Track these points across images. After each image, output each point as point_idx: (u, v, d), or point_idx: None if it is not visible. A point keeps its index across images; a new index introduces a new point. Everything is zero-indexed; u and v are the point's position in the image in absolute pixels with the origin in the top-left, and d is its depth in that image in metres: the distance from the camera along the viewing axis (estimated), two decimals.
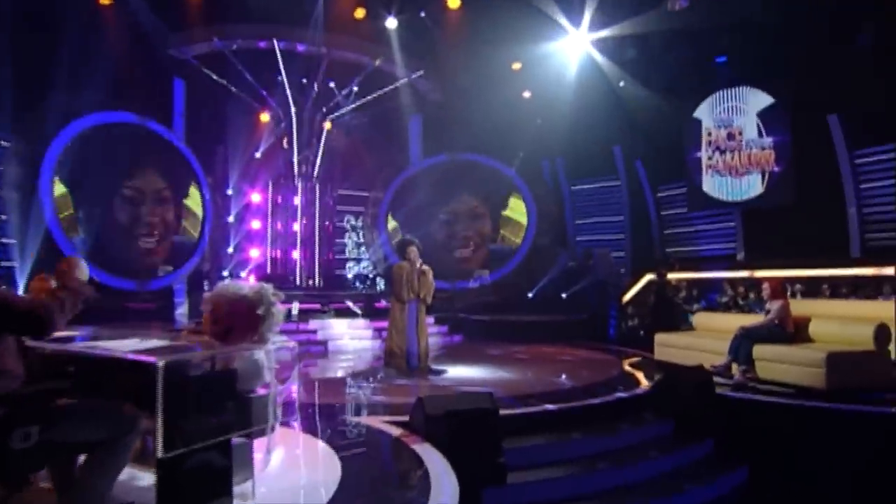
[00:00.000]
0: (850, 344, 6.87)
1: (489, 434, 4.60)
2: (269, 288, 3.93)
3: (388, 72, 14.68)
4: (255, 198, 15.70)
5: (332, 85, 14.96)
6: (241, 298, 3.77)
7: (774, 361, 7.02)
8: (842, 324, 7.22)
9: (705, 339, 8.25)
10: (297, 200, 15.17)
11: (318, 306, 13.12)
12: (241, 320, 3.68)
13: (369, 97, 15.13)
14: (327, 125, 15.85)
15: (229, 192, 15.40)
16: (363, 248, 16.55)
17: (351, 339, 11.86)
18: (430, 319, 13.30)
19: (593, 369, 8.72)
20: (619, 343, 12.71)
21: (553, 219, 15.64)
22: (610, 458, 5.35)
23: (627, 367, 8.92)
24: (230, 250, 15.03)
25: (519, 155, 15.16)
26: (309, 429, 5.32)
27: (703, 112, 13.41)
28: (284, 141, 15.11)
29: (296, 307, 12.20)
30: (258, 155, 15.63)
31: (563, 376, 8.45)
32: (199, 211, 13.63)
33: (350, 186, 16.70)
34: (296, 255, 15.09)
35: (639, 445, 5.71)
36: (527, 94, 14.98)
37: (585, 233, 16.21)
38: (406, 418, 5.19)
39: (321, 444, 4.76)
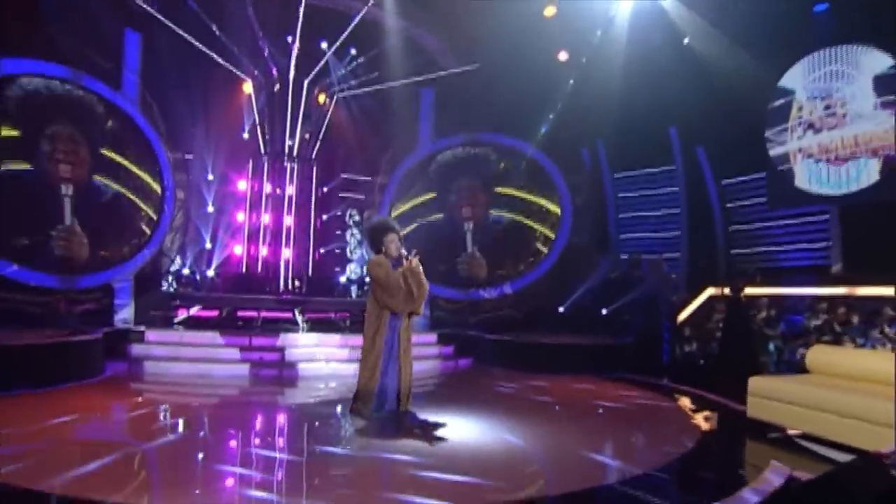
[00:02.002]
0: None
1: None
2: None
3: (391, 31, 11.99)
4: (242, 185, 13.19)
5: (323, 45, 12.32)
6: None
7: None
8: None
9: (838, 394, 5.27)
10: (276, 188, 12.57)
11: (289, 315, 10.48)
12: None
13: (368, 69, 12.43)
14: (321, 98, 13.23)
15: (209, 177, 12.90)
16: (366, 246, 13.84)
17: (328, 361, 9.15)
18: (432, 337, 10.57)
19: (653, 430, 5.86)
20: (674, 375, 9.79)
21: (592, 216, 12.68)
22: None
23: (707, 427, 6.00)
24: (208, 245, 12.52)
25: (540, 131, 12.25)
26: None
27: (794, 78, 10.32)
28: (264, 117, 12.54)
29: None
30: (246, 135, 13.12)
31: (607, 448, 5.55)
32: (154, 196, 11.11)
33: (350, 172, 14.06)
34: (282, 252, 12.47)
35: None
36: (562, 57, 12.07)
37: (631, 233, 13.21)
38: None
39: None
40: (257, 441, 5.46)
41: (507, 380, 8.96)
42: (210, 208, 12.75)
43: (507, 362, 10.03)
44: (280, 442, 5.46)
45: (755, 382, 5.95)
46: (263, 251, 12.43)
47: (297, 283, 12.08)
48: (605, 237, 13.08)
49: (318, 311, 10.86)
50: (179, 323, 10.22)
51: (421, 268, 6.16)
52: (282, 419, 6.56)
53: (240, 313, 10.53)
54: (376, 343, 6.09)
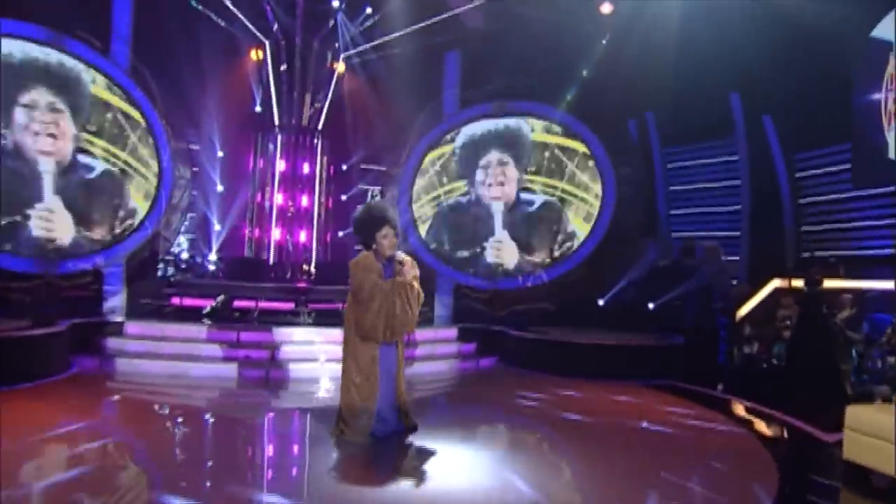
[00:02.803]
0: None
1: None
2: None
3: None
4: (261, 163, 12.12)
5: (334, 3, 11.04)
6: None
7: None
8: None
9: None
10: (284, 165, 11.45)
11: (290, 307, 9.37)
12: None
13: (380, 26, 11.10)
14: (339, 66, 12.00)
15: (219, 154, 11.90)
16: None
17: (328, 360, 7.94)
18: (451, 332, 9.32)
19: (713, 474, 4.46)
20: (730, 383, 8.30)
21: (639, 196, 11.11)
22: None
23: (786, 470, 4.54)
24: (216, 228, 11.54)
25: (566, 96, 10.72)
26: None
27: (890, 28, 8.51)
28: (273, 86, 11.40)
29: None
30: (258, 108, 12.02)
31: None
32: (150, 173, 10.11)
33: (371, 148, 12.83)
34: (288, 236, 11.39)
35: None
36: (606, 9, 10.47)
37: (683, 216, 11.59)
38: None
39: None
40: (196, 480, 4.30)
41: (532, 387, 7.65)
42: (219, 188, 11.73)
43: (536, 364, 8.71)
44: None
45: (855, 414, 4.46)
46: (276, 234, 11.34)
47: (306, 269, 10.95)
48: (653, 220, 11.51)
49: (326, 301, 9.68)
50: (169, 313, 9.22)
51: (417, 282, 4.88)
52: (242, 442, 5.41)
53: (236, 303, 9.46)
54: (369, 352, 4.86)
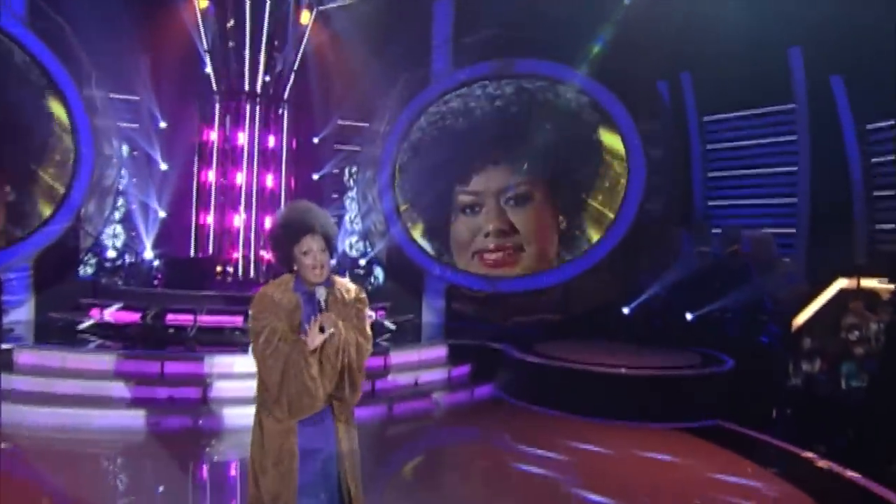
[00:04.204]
0: None
1: None
2: None
3: None
4: (213, 136, 10.07)
5: None
6: None
7: None
8: None
9: None
10: (236, 137, 9.44)
11: (238, 322, 7.45)
12: None
13: None
14: (305, 16, 9.86)
15: (161, 125, 9.85)
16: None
17: None
18: (440, 352, 7.48)
19: None
20: (794, 416, 6.52)
21: (672, 177, 9.05)
22: None
23: None
24: (161, 214, 9.56)
25: (591, 50, 8.62)
26: None
27: None
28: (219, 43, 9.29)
29: None
30: (208, 69, 9.92)
31: None
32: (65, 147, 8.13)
33: (348, 117, 10.77)
34: (236, 224, 9.44)
35: None
36: None
37: (725, 200, 9.51)
38: None
39: None
40: None
41: (538, 436, 5.85)
42: (162, 166, 9.72)
43: (543, 397, 6.85)
44: None
45: None
46: (233, 222, 9.38)
47: (261, 268, 9.03)
48: (689, 206, 9.46)
49: None
50: (84, 331, 7.32)
51: (364, 328, 2.93)
52: None
53: (170, 318, 7.51)
54: (269, 443, 2.93)
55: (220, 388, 6.19)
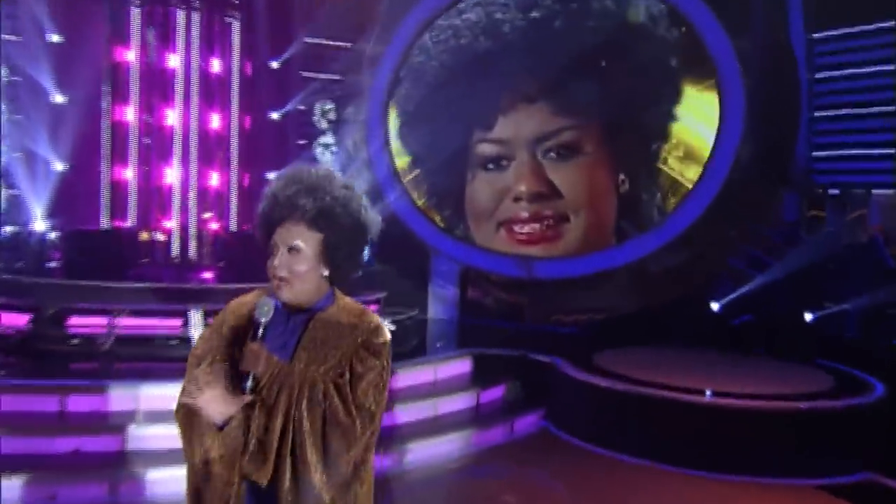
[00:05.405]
0: None
1: None
2: None
3: None
4: (130, 56, 7.24)
5: None
6: None
7: None
8: None
9: None
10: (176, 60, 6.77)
11: (175, 326, 5.09)
12: None
13: None
14: None
15: (53, 38, 7.04)
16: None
17: None
18: (463, 366, 5.21)
19: None
20: None
21: (773, 117, 6.58)
22: None
23: None
24: (57, 167, 6.85)
25: None
26: None
27: None
28: None
29: None
30: None
31: None
32: None
33: (319, 35, 8.04)
34: (168, 181, 6.86)
35: None
36: None
37: (839, 150, 7.08)
38: None
39: None
40: None
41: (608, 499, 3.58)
42: (57, 98, 6.94)
43: (618, 437, 4.59)
44: None
45: None
46: (164, 178, 6.76)
47: (210, 247, 6.48)
48: (788, 158, 7.01)
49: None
50: None
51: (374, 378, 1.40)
52: None
53: (73, 322, 5.07)
54: None
55: (149, 437, 3.76)
